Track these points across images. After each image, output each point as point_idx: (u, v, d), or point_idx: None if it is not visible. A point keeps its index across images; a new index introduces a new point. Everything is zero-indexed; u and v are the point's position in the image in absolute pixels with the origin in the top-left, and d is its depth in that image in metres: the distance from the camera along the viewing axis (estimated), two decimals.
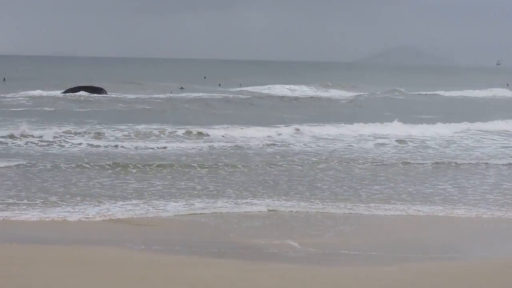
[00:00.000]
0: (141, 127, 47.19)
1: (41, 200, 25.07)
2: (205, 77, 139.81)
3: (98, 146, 39.51)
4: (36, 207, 23.95)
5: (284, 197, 26.84)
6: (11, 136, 40.35)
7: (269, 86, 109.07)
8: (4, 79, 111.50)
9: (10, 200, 24.94)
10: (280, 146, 41.77)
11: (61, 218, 22.60)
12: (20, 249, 18.34)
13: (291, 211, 24.72)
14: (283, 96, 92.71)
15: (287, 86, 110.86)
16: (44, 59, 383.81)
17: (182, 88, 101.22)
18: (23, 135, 40.26)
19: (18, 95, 78.47)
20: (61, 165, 32.66)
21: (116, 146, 39.52)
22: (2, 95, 78.51)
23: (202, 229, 22.16)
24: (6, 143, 39.07)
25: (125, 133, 44.44)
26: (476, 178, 31.94)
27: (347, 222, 23.43)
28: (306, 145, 42.60)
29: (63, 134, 42.17)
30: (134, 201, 25.39)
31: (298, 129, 48.23)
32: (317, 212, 24.61)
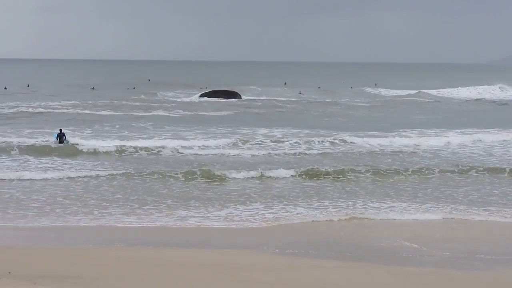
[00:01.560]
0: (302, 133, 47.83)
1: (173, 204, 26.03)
2: (343, 82, 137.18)
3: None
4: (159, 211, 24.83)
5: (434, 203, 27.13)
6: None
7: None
8: (134, 88, 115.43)
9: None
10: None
11: (196, 224, 23.29)
12: (149, 252, 18.81)
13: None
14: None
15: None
16: (178, 64, 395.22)
17: (320, 87, 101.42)
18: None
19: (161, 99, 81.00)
20: None
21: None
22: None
23: (337, 233, 22.24)
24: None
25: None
26: None
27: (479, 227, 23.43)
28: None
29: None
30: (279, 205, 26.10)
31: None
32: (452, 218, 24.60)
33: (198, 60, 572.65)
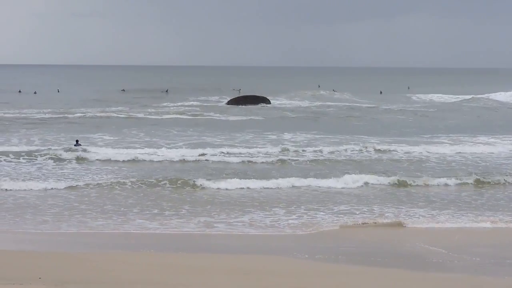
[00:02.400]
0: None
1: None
2: (380, 91, 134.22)
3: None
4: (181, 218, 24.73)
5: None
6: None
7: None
8: (167, 91, 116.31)
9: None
10: None
11: (223, 231, 23.14)
12: (184, 258, 18.75)
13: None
14: None
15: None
16: (205, 69, 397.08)
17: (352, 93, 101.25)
18: None
19: (189, 104, 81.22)
20: None
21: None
22: (172, 104, 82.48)
23: (366, 239, 22.09)
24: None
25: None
26: None
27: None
28: None
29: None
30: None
31: None
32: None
33: (232, 66, 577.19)
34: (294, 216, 24.89)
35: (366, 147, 42.05)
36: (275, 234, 22.54)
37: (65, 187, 29.81)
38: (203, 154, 38.88)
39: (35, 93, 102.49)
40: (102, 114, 66.00)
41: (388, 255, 19.65)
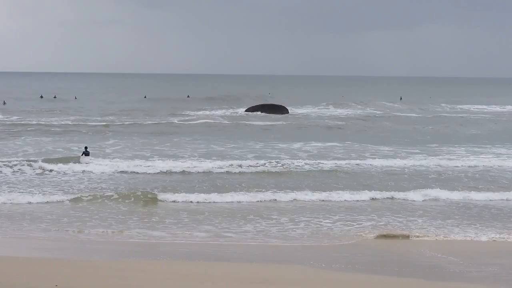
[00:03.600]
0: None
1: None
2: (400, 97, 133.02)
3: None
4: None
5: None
6: None
7: None
8: (188, 96, 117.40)
9: None
10: None
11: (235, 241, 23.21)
12: (197, 266, 18.73)
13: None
14: None
15: None
16: (225, 77, 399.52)
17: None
18: None
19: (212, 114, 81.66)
20: None
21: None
22: (191, 112, 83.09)
23: (383, 249, 22.13)
24: None
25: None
26: None
27: None
28: None
29: None
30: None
31: None
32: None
33: (252, 74, 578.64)
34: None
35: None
36: (290, 244, 22.51)
37: (70, 199, 29.66)
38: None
39: (54, 97, 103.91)
40: (110, 123, 66.24)
41: (404, 264, 19.67)
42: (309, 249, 21.85)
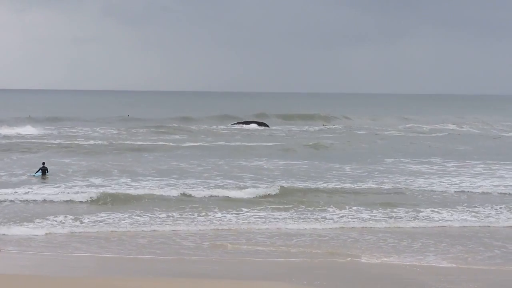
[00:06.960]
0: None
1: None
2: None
3: None
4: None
5: None
6: None
7: None
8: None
9: None
10: None
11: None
12: (192, 283, 18.70)
13: None
14: None
15: None
16: (212, 95, 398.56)
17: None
18: None
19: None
20: None
21: None
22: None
23: (364, 269, 22.22)
24: None
25: None
26: None
27: None
28: None
29: None
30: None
31: None
32: None
33: (228, 91, 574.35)
34: None
35: None
36: (276, 260, 22.60)
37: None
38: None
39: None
40: (86, 143, 64.44)
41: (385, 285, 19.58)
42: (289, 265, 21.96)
